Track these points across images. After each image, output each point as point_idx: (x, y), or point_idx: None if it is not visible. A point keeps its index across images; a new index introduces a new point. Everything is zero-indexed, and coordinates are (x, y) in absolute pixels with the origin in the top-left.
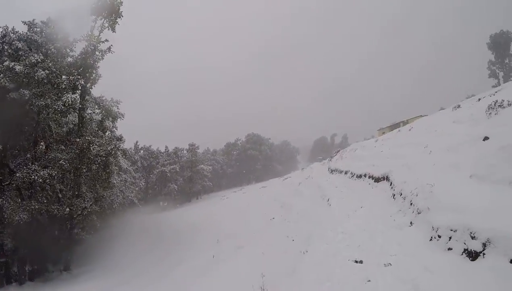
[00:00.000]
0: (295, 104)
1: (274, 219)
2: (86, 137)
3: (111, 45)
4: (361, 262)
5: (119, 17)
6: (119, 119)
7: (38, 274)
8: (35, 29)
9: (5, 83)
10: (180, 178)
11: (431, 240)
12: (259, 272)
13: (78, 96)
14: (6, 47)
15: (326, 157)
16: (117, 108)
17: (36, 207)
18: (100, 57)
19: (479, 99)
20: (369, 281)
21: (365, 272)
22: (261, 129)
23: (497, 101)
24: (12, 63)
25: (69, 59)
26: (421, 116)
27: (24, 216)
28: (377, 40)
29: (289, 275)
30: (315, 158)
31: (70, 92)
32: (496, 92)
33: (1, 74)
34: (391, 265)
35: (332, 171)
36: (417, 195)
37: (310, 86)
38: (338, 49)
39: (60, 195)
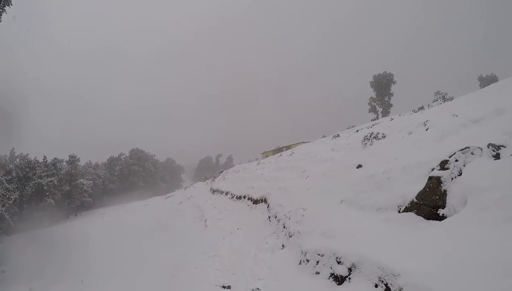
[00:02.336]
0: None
1: (151, 240)
2: None
3: None
4: (229, 287)
5: (8, 5)
6: None
7: None
8: None
9: None
10: (58, 192)
11: (300, 263)
12: None
13: None
14: None
15: (210, 177)
16: None
17: None
18: None
19: (358, 130)
20: None
21: None
22: (151, 148)
23: (372, 133)
24: None
25: None
26: (303, 142)
27: None
28: (274, 66)
29: None
30: (199, 177)
31: None
32: (373, 125)
33: None
34: (259, 290)
35: (214, 191)
36: (289, 218)
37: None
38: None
39: None
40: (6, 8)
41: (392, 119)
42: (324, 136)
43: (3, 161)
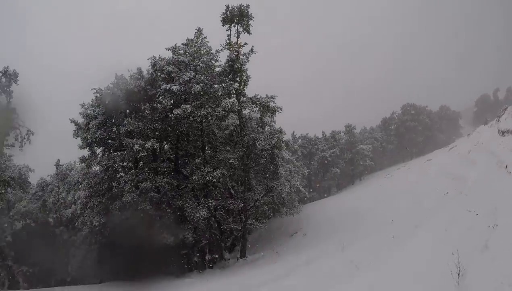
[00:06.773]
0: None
1: (448, 194)
2: (251, 135)
3: (253, 46)
4: None
5: (251, 19)
6: (277, 113)
7: (216, 262)
8: (179, 51)
9: (167, 103)
10: (341, 161)
11: None
12: (446, 249)
13: (235, 100)
14: (159, 73)
15: (492, 118)
16: (274, 103)
17: (213, 203)
18: (246, 60)
19: None
20: None
21: None
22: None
23: None
24: (168, 85)
25: (217, 69)
26: None
27: (203, 213)
28: None
29: (481, 251)
30: (479, 120)
31: (227, 98)
32: None
33: (162, 97)
34: None
35: (503, 133)
36: None
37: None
38: None
39: (232, 191)
40: None
41: None
42: None
43: (289, 143)
